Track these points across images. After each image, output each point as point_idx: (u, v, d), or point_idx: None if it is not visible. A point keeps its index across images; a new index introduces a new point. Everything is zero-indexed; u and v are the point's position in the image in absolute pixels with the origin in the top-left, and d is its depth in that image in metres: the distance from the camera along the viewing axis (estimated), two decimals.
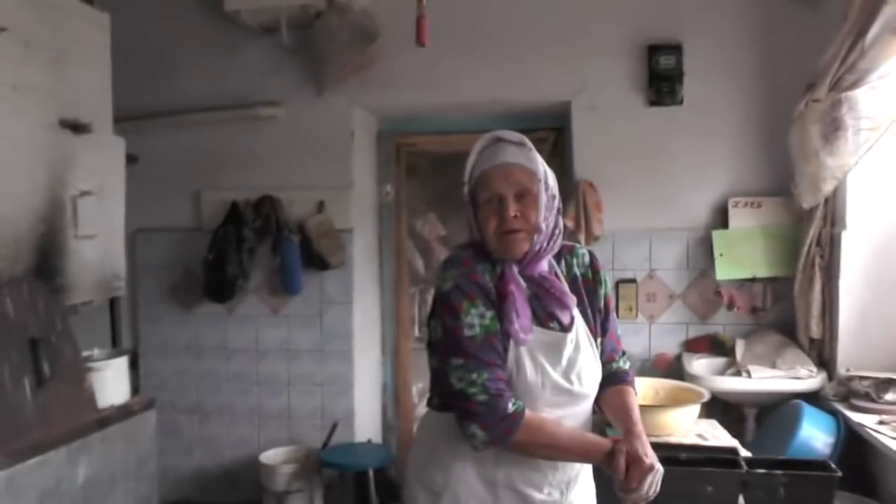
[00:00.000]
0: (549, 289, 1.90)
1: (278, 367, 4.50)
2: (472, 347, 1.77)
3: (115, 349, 3.52)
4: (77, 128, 3.11)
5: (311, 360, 4.46)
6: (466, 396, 1.76)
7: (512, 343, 1.83)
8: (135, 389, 3.58)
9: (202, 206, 4.51)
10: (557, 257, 1.99)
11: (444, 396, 1.88)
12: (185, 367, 4.59)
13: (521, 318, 1.84)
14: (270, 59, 4.39)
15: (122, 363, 3.34)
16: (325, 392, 4.46)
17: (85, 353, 3.15)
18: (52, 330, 2.83)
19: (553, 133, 4.57)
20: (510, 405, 1.77)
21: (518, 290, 1.85)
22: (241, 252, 4.31)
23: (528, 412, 1.79)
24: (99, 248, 3.28)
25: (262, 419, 4.54)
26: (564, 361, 1.88)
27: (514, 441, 1.78)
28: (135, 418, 3.34)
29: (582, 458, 1.89)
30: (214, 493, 4.58)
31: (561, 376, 1.88)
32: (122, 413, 3.24)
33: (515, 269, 1.87)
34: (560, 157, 4.51)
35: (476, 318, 1.79)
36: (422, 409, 5.54)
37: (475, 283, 1.81)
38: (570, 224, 4.02)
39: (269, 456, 4.34)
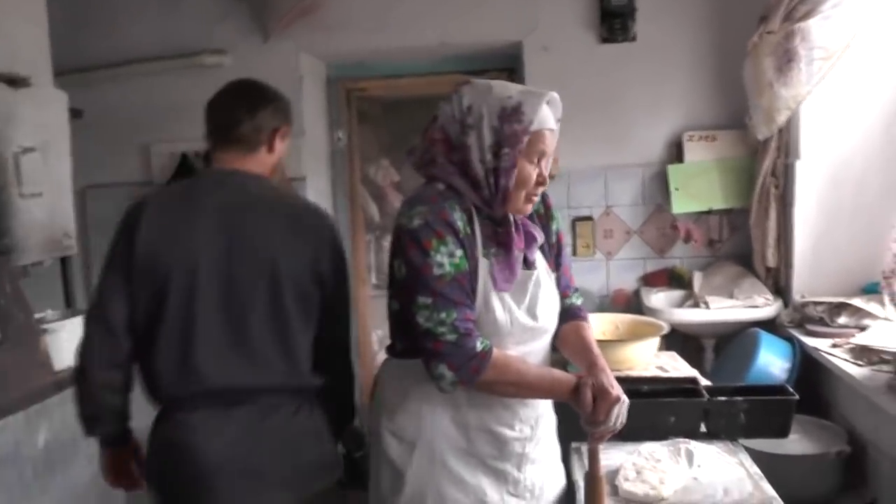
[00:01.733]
0: (522, 227, 1.91)
1: None
2: (440, 286, 1.73)
3: (70, 309, 3.44)
4: (14, 81, 3.00)
5: None
6: (434, 336, 1.73)
7: (481, 284, 1.81)
8: None
9: (152, 159, 4.39)
10: None
11: (409, 339, 1.84)
12: None
13: (513, 272, 1.85)
14: (215, 7, 4.25)
15: (76, 323, 3.27)
16: None
17: (38, 315, 3.09)
18: (1, 293, 2.76)
19: (505, 73, 4.52)
20: (478, 344, 1.74)
21: (519, 243, 1.87)
22: None
23: (495, 351, 1.77)
24: (46, 207, 3.19)
25: None
26: (528, 298, 1.88)
27: (482, 380, 1.76)
28: None
29: (548, 394, 1.90)
30: None
31: (526, 313, 1.88)
32: None
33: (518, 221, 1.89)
34: None
35: (445, 257, 1.74)
36: (382, 356, 5.53)
37: (444, 221, 1.76)
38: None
39: None
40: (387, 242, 6.49)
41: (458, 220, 1.79)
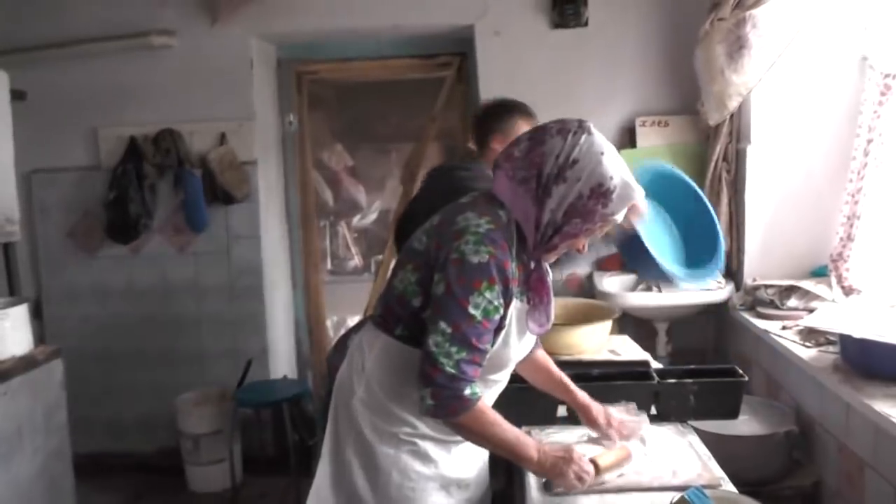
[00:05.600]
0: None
1: (188, 307, 4.39)
2: (465, 324, 1.71)
3: (13, 298, 3.36)
4: None
5: (221, 298, 4.36)
6: (434, 362, 1.71)
7: (513, 324, 1.84)
8: (40, 339, 3.43)
9: (99, 143, 4.31)
10: None
11: (411, 329, 1.85)
12: (91, 313, 4.43)
13: (548, 318, 1.91)
14: None
15: (21, 312, 3.20)
16: (237, 330, 4.38)
17: None
18: None
19: (457, 58, 4.50)
20: (468, 389, 1.74)
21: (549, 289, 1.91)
22: (142, 189, 4.17)
23: (480, 403, 1.77)
24: None
25: (174, 362, 4.43)
26: (526, 334, 1.94)
27: (454, 421, 1.78)
28: (39, 369, 3.22)
29: (508, 457, 1.92)
30: (131, 442, 4.48)
31: (526, 342, 1.96)
32: (25, 364, 3.12)
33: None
34: (465, 83, 4.46)
35: (484, 301, 1.71)
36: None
37: (503, 270, 1.73)
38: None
39: (184, 399, 4.26)
40: (341, 228, 6.47)
41: (512, 269, 1.77)
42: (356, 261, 6.54)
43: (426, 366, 1.73)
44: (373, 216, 6.62)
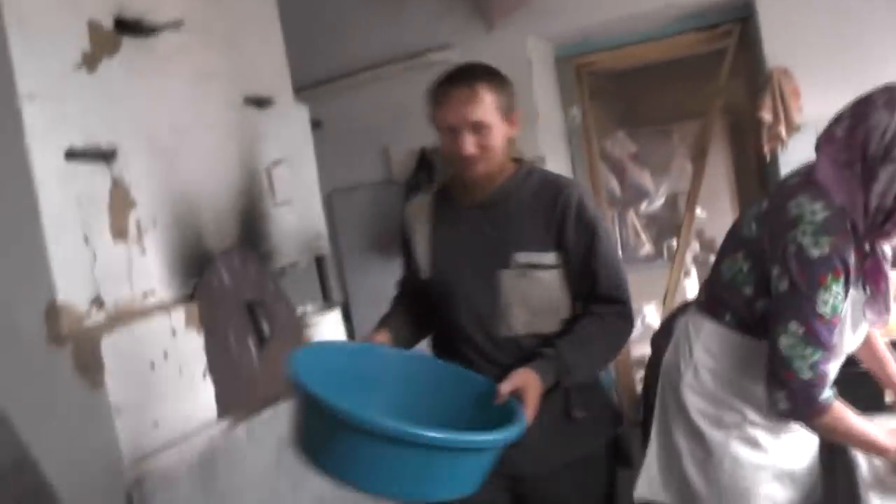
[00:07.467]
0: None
1: None
2: (817, 323, 1.66)
3: (326, 303, 3.72)
4: (260, 103, 3.28)
5: None
6: (790, 366, 1.67)
7: (848, 314, 1.75)
8: (350, 339, 3.77)
9: (391, 158, 4.61)
10: None
11: (741, 316, 1.84)
12: None
13: (887, 308, 1.82)
14: (437, 4, 4.39)
15: (335, 316, 3.53)
16: None
17: (299, 311, 3.36)
18: (265, 293, 3.03)
19: (738, 24, 4.28)
20: (825, 393, 1.69)
21: (888, 278, 1.80)
22: None
23: (836, 403, 1.72)
24: (297, 212, 3.47)
25: None
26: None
27: (813, 423, 1.74)
28: None
29: (864, 451, 1.85)
30: None
31: (861, 332, 1.86)
32: None
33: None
34: (748, 49, 4.23)
35: (831, 297, 1.65)
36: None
37: (844, 262, 1.66)
38: (768, 116, 3.78)
39: None
40: (629, 216, 6.40)
41: (851, 259, 1.69)
42: (647, 247, 6.44)
43: (779, 369, 1.68)
44: (660, 201, 6.46)
